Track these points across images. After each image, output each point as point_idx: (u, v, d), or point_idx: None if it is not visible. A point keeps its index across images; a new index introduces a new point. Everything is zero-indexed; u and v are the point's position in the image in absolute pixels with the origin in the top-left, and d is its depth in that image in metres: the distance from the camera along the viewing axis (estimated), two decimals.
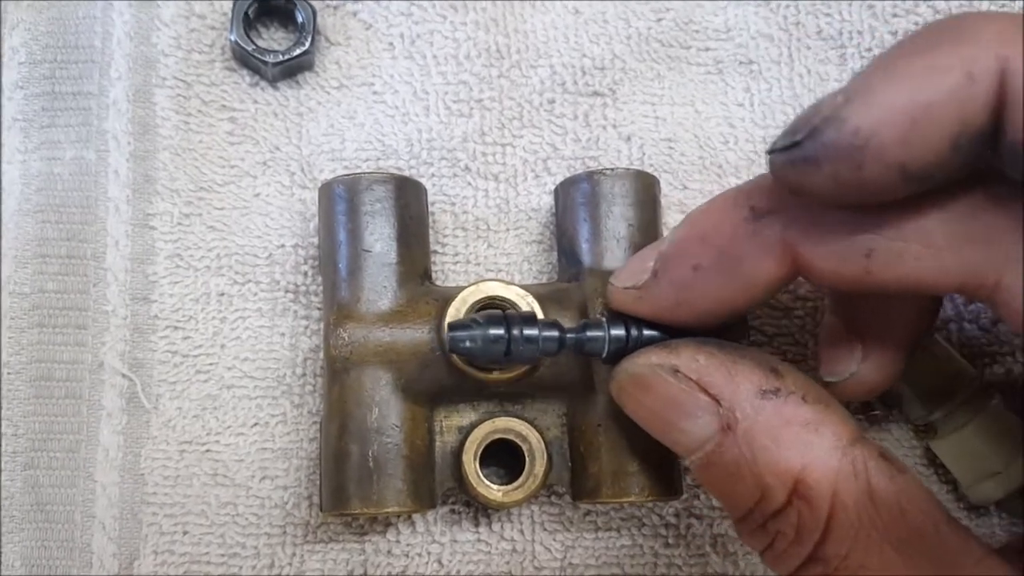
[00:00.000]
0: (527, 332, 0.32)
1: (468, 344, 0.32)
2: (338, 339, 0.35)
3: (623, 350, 0.32)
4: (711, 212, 0.30)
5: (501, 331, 0.32)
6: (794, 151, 0.26)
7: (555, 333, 0.32)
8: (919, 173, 0.25)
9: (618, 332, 0.32)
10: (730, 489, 0.29)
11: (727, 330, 0.31)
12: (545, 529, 0.38)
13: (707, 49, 0.42)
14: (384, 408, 0.34)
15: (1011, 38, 0.24)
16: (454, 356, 0.34)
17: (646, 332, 0.32)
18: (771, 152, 0.27)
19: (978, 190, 0.27)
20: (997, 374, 0.40)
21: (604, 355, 0.32)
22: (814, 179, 0.26)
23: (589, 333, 0.32)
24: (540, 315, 0.34)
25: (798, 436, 0.28)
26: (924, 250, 0.27)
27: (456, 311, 0.34)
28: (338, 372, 0.35)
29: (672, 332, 0.32)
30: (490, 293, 0.35)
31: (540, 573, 0.38)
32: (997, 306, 0.27)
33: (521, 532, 0.38)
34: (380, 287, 0.35)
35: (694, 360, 0.29)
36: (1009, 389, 0.39)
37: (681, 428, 0.29)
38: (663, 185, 0.40)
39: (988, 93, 0.24)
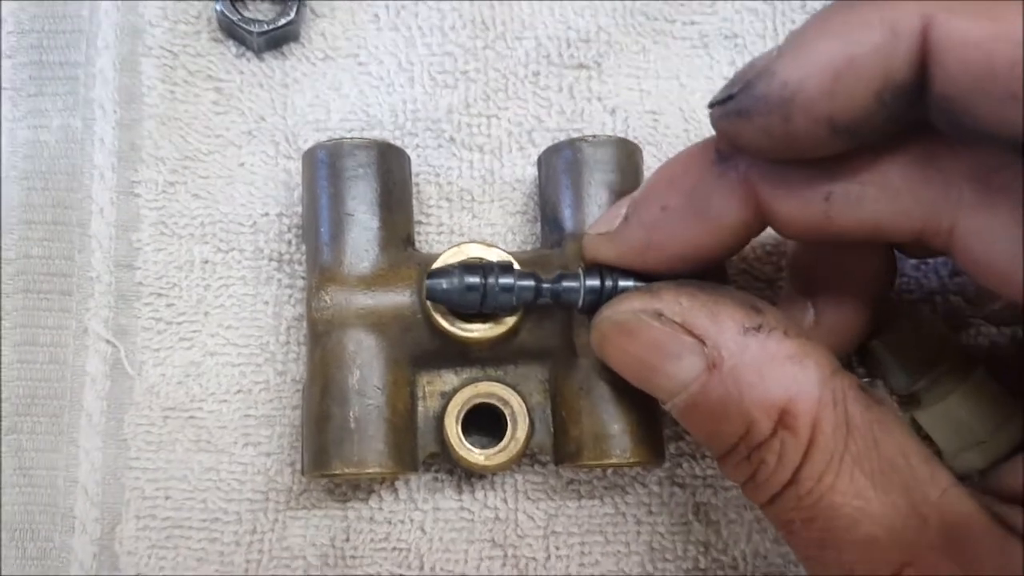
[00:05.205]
0: (503, 280, 0.32)
1: (445, 287, 0.32)
2: (320, 302, 0.35)
3: (599, 300, 0.32)
4: (680, 158, 0.31)
5: (477, 278, 0.32)
6: (729, 104, 0.27)
7: (531, 282, 0.32)
8: (847, 126, 0.26)
9: (593, 282, 0.32)
10: (715, 427, 0.29)
11: (706, 278, 0.32)
12: (528, 497, 0.38)
13: (692, 23, 0.42)
14: (366, 370, 0.34)
15: None
16: (436, 316, 0.34)
17: (622, 282, 0.32)
18: (710, 106, 0.28)
19: (934, 137, 0.27)
20: (982, 346, 0.40)
21: (580, 304, 0.32)
22: (746, 131, 0.27)
23: (565, 283, 0.32)
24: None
25: (783, 369, 0.28)
26: (882, 193, 0.28)
27: None
28: (320, 335, 0.35)
29: (648, 281, 0.32)
30: (472, 255, 0.35)
31: (523, 541, 0.38)
32: (954, 253, 0.28)
33: (504, 500, 0.38)
34: (362, 251, 0.35)
35: (677, 303, 0.29)
36: (994, 359, 0.39)
37: (665, 371, 0.29)
38: (647, 158, 0.40)
39: (911, 48, 0.25)
